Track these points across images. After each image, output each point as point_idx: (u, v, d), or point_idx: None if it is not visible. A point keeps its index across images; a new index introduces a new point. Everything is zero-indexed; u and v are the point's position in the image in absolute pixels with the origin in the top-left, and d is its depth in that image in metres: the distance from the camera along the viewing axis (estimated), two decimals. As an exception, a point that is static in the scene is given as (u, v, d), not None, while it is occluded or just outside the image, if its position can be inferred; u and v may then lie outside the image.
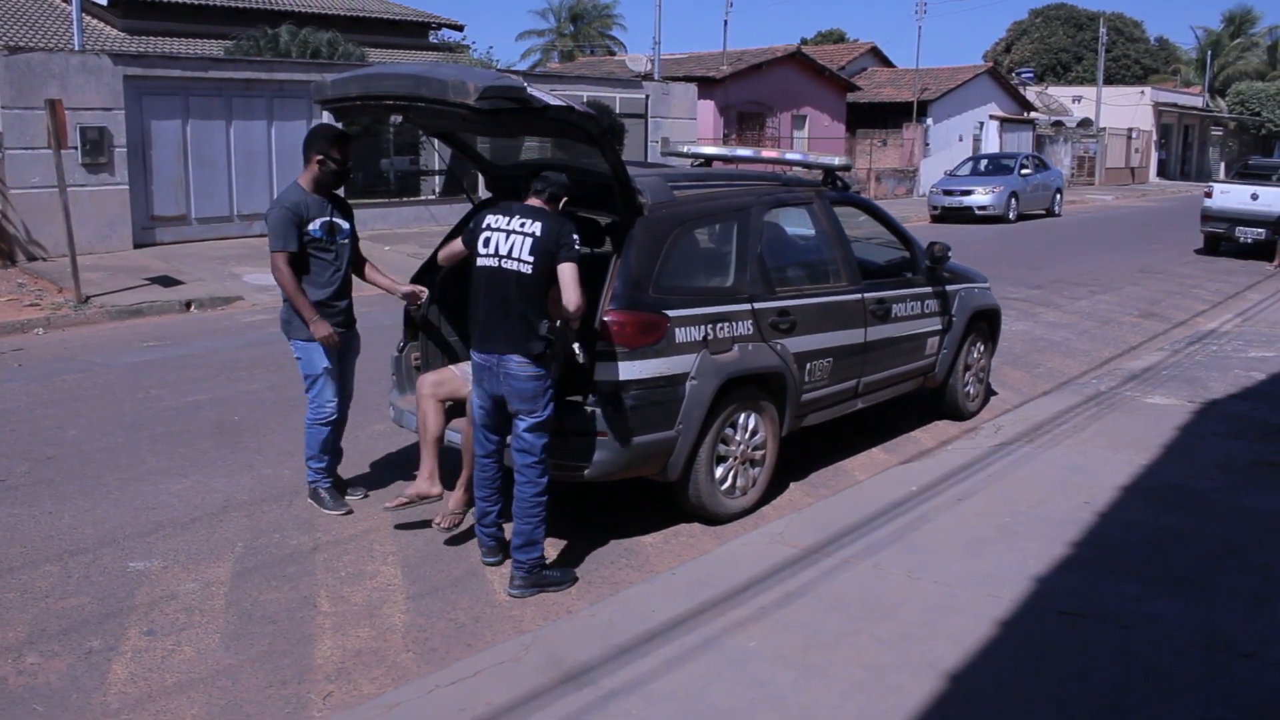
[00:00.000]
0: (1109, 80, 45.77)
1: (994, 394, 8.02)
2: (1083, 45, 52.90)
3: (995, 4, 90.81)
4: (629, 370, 4.78)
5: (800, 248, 6.34)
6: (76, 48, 15.22)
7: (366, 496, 5.57)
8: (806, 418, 5.88)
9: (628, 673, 3.70)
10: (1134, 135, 42.53)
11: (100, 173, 14.17)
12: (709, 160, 7.46)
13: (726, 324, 5.20)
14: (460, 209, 12.58)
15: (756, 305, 5.39)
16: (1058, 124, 41.94)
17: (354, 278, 5.42)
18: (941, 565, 4.65)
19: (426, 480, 5.03)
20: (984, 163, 26.37)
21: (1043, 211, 25.61)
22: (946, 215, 23.63)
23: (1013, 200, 24.03)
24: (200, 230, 15.40)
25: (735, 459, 5.37)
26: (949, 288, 6.99)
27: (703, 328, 5.07)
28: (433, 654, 4.03)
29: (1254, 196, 17.20)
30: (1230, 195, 17.64)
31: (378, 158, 17.97)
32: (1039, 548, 4.83)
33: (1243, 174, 19.30)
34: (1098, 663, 3.80)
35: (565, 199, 4.57)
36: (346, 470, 5.71)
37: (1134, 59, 55.00)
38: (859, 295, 6.13)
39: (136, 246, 14.57)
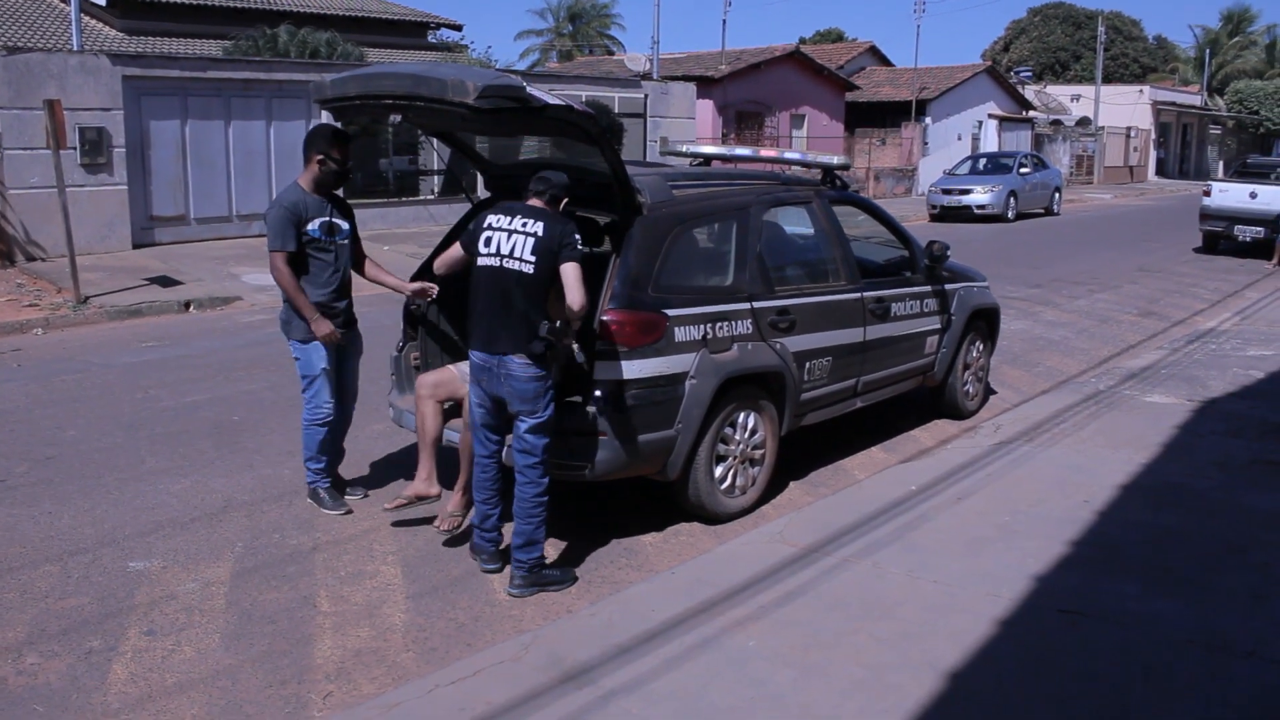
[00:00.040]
0: (1107, 79, 45.78)
1: (993, 393, 8.02)
2: (1081, 44, 52.92)
3: (993, 3, 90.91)
4: (628, 370, 4.78)
5: (799, 247, 6.34)
6: (75, 48, 15.20)
7: (366, 496, 5.57)
8: (806, 417, 5.88)
9: (627, 672, 3.71)
10: (1132, 134, 42.55)
11: (99, 173, 14.16)
12: (708, 160, 7.46)
13: (726, 323, 5.20)
14: (459, 209, 12.58)
15: (756, 304, 5.40)
16: (1056, 123, 41.95)
17: (358, 277, 5.42)
18: (941, 564, 4.65)
19: (424, 481, 5.03)
20: (983, 162, 26.39)
21: (1041, 210, 25.62)
22: (945, 214, 23.64)
23: (1011, 199, 24.04)
24: (199, 230, 15.39)
25: (735, 458, 5.38)
26: (948, 287, 6.99)
27: (702, 327, 5.07)
28: (432, 653, 4.04)
29: (1253, 195, 17.21)
30: (1229, 194, 17.65)
31: (377, 157, 17.97)
32: (1038, 547, 4.83)
33: (1241, 172, 19.31)
34: (1097, 662, 3.80)
35: (566, 199, 4.57)
36: (346, 470, 5.71)
37: (1132, 58, 55.02)
38: (858, 294, 6.13)
39: (135, 247, 14.57)
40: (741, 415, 5.38)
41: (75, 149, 13.62)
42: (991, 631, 4.02)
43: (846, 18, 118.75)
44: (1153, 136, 44.67)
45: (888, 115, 33.19)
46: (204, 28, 23.12)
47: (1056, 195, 26.28)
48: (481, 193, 6.77)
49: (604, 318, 4.74)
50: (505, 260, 4.37)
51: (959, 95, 34.39)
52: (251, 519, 5.33)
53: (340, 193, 5.41)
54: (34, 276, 12.53)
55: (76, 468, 6.05)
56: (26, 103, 13.31)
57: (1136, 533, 5.04)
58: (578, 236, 4.40)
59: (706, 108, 26.34)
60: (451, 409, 5.17)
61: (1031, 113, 39.40)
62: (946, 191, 24.06)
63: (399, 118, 4.92)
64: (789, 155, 7.23)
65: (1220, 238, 17.78)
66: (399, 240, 15.81)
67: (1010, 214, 23.89)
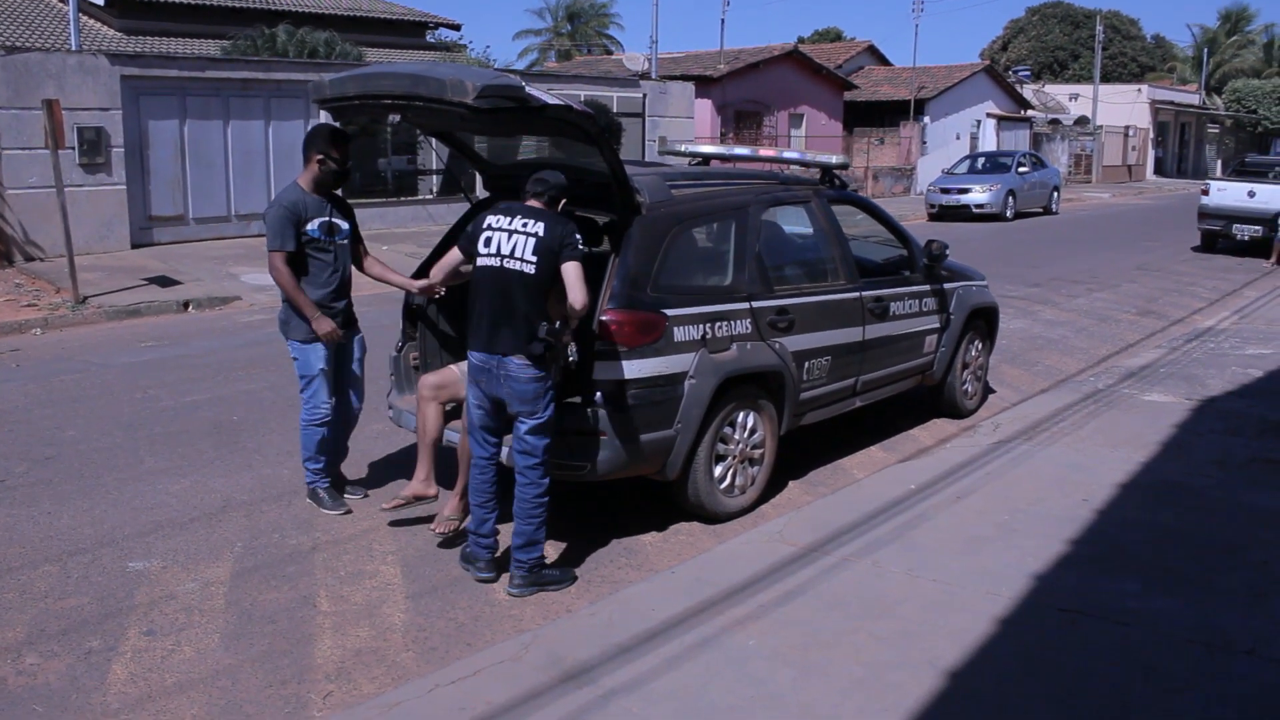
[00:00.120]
0: (1106, 78, 45.81)
1: (992, 392, 8.02)
2: (1079, 43, 52.96)
3: (992, 2, 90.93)
4: (628, 369, 4.78)
5: (798, 246, 6.34)
6: (73, 48, 15.21)
7: (366, 496, 5.57)
8: (805, 416, 5.88)
9: (627, 671, 3.71)
10: (1131, 133, 42.56)
11: (97, 173, 14.16)
12: (707, 159, 7.46)
13: (725, 323, 5.20)
14: (458, 208, 12.58)
15: (755, 304, 5.40)
16: (1055, 122, 41.97)
17: (361, 275, 5.42)
18: (940, 563, 4.66)
19: (423, 482, 5.03)
20: (981, 161, 26.41)
21: (1040, 209, 25.64)
22: (944, 213, 23.65)
23: (1010, 198, 24.06)
24: (198, 230, 15.39)
25: (734, 458, 5.38)
26: (947, 286, 6.99)
27: (701, 327, 5.07)
28: (432, 653, 4.04)
29: (1251, 194, 17.23)
30: (1227, 193, 17.67)
31: (375, 157, 17.96)
32: (1038, 545, 4.83)
33: (1240, 171, 19.33)
34: (1097, 660, 3.81)
35: (564, 200, 4.57)
36: (346, 470, 5.70)
37: (1130, 57, 55.07)
38: (857, 294, 6.13)
39: (134, 247, 14.57)
40: (741, 415, 5.38)
41: (74, 149, 13.61)
42: (991, 630, 4.02)
43: (845, 17, 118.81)
44: (1151, 135, 44.70)
45: (886, 114, 33.21)
46: (202, 27, 23.12)
47: (1055, 194, 26.30)
48: (480, 192, 6.76)
49: (603, 318, 4.74)
50: (506, 260, 4.36)
51: (957, 94, 34.41)
52: (251, 519, 5.33)
53: (339, 192, 5.40)
54: (32, 276, 12.52)
55: (75, 468, 6.05)
56: (25, 102, 13.30)
57: (1135, 531, 5.05)
58: (579, 236, 4.40)
59: (705, 107, 26.35)
60: (453, 410, 5.17)
61: (1030, 112, 39.43)
62: (945, 191, 24.07)
63: (398, 118, 4.93)
64: (788, 155, 7.23)
65: (1219, 236, 17.80)
66: (398, 240, 15.80)
67: (1009, 213, 23.90)
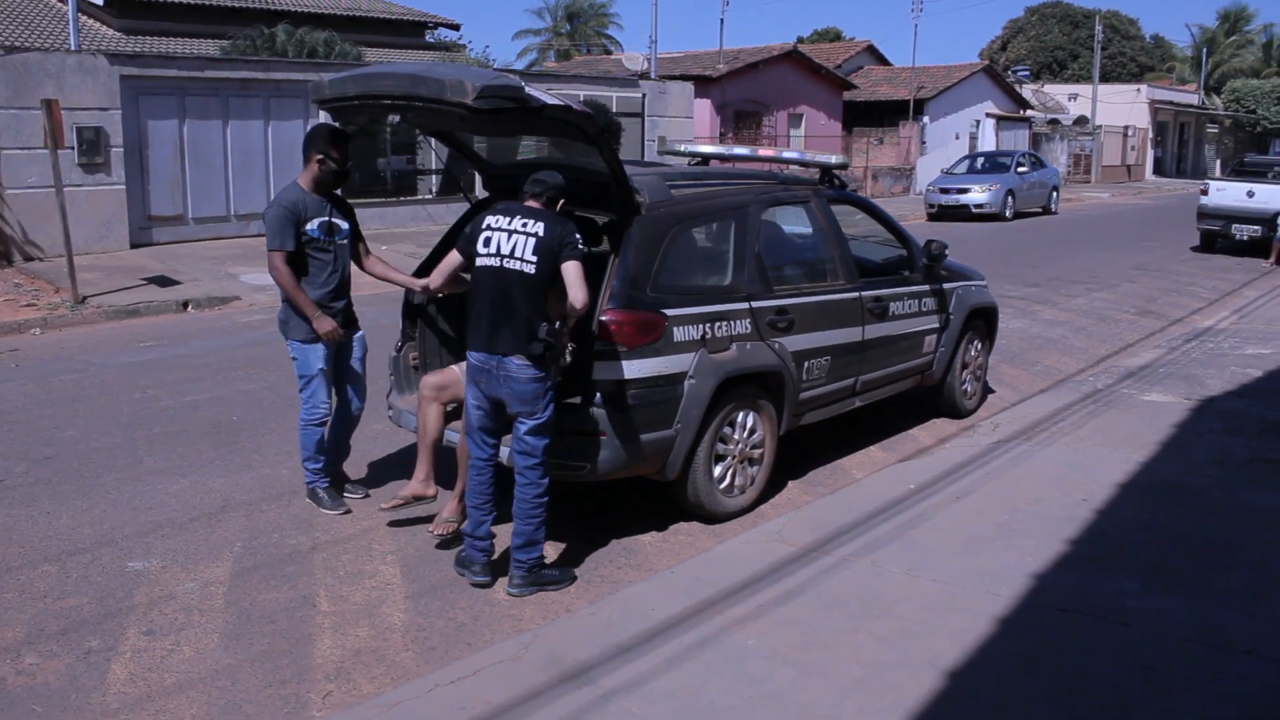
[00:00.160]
0: (1105, 78, 45.83)
1: (991, 392, 8.03)
2: (1078, 43, 52.98)
3: (991, 2, 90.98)
4: (628, 369, 4.78)
5: (798, 246, 6.34)
6: (72, 47, 15.21)
7: (368, 496, 5.57)
8: (804, 416, 5.88)
9: (627, 671, 3.71)
10: (1130, 133, 42.58)
11: (97, 173, 14.15)
12: (706, 159, 7.46)
13: (724, 323, 5.20)
14: (457, 208, 12.57)
15: (754, 304, 5.40)
16: (1054, 122, 41.98)
17: (363, 274, 5.42)
18: (940, 563, 4.66)
19: (422, 482, 5.02)
20: (980, 161, 26.42)
21: (1039, 209, 25.64)
22: (943, 213, 23.66)
23: (1009, 198, 24.06)
24: (197, 230, 15.38)
25: (734, 458, 5.38)
26: (946, 286, 7.00)
27: (701, 327, 5.07)
28: (432, 653, 4.04)
29: (1250, 194, 17.24)
30: (1226, 192, 17.68)
31: (375, 157, 17.95)
32: (1037, 545, 4.84)
33: (1239, 171, 19.35)
34: (1097, 660, 3.81)
35: (563, 200, 4.57)
36: (346, 470, 5.69)
37: (1130, 56, 55.10)
38: (856, 294, 6.13)
39: (133, 246, 14.56)
40: (740, 415, 5.38)
41: (73, 149, 13.60)
42: (991, 630, 4.02)
43: (844, 17, 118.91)
44: (1150, 135, 44.71)
45: (885, 114, 33.22)
46: (201, 27, 23.11)
47: (1054, 194, 26.30)
48: (480, 192, 6.76)
49: (603, 318, 4.74)
50: (506, 260, 4.36)
51: (957, 94, 34.42)
52: (250, 519, 5.33)
53: (339, 192, 5.40)
54: (31, 276, 12.51)
55: (75, 468, 6.05)
56: (24, 102, 13.29)
57: (1135, 531, 5.05)
58: (578, 236, 4.40)
59: (704, 107, 26.35)
60: (454, 410, 5.17)
61: (1029, 112, 39.44)
62: (944, 190, 24.08)
63: (397, 118, 4.92)
64: (787, 154, 7.23)
65: (1218, 236, 17.80)
66: (397, 240, 15.80)
67: (1008, 213, 23.91)
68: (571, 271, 4.31)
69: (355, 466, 5.97)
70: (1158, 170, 46.10)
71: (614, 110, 20.72)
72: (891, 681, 3.65)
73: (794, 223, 6.35)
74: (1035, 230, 21.81)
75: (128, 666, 3.89)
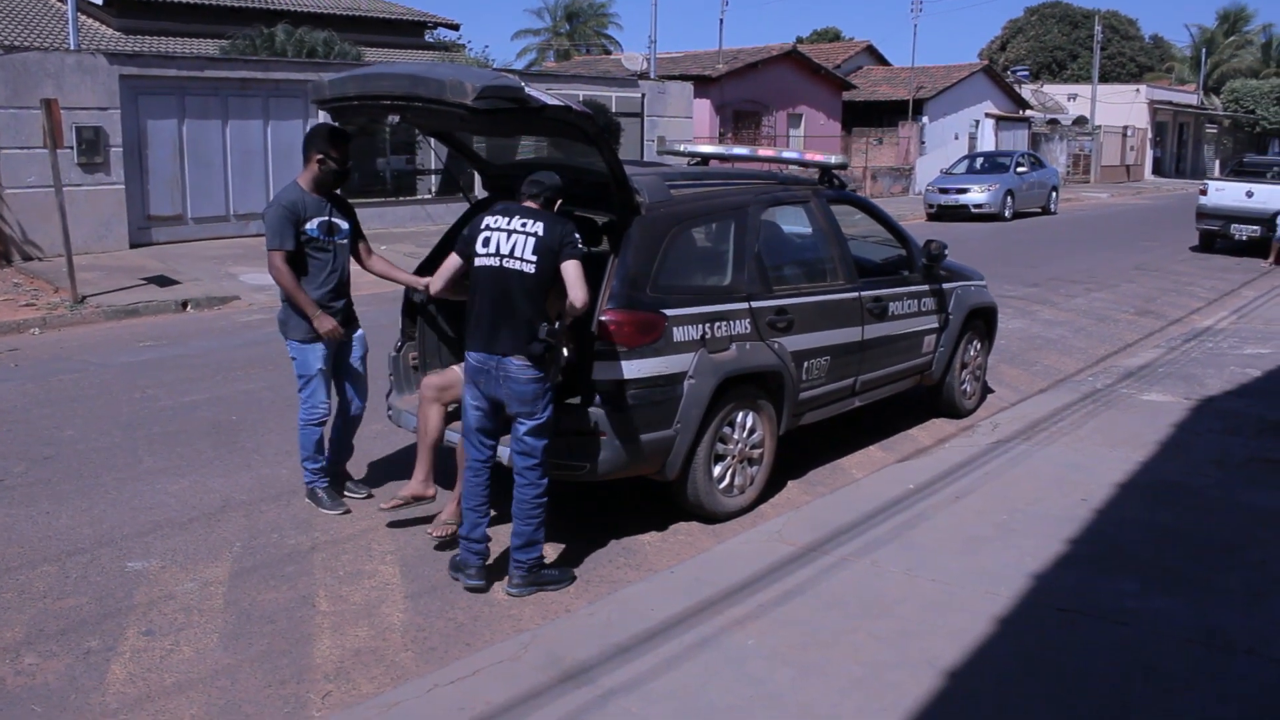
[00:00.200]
0: (1104, 78, 45.85)
1: (991, 392, 8.03)
2: (1078, 43, 53.00)
3: (990, 2, 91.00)
4: (627, 370, 4.78)
5: (797, 246, 6.34)
6: (72, 47, 15.21)
7: (371, 496, 5.55)
8: (804, 416, 5.89)
9: (626, 671, 3.71)
10: (1129, 133, 42.59)
11: (96, 172, 14.15)
12: (705, 159, 7.47)
13: (724, 323, 5.20)
14: (457, 208, 12.57)
15: (754, 304, 5.40)
16: (1053, 122, 41.99)
17: (365, 272, 5.42)
18: (939, 563, 4.66)
19: (421, 482, 5.02)
20: (980, 161, 26.42)
21: (1038, 209, 25.64)
22: (942, 213, 23.66)
23: (1008, 198, 24.07)
24: (196, 230, 15.38)
25: (733, 457, 5.38)
26: (945, 286, 7.00)
27: (700, 327, 5.07)
28: (431, 653, 4.04)
29: (1249, 194, 17.25)
30: (1225, 193, 17.69)
31: (374, 157, 17.95)
32: (1037, 545, 4.84)
33: (1238, 171, 19.36)
34: (1096, 660, 3.81)
35: (560, 200, 4.56)
36: (347, 470, 5.70)
37: (1129, 57, 55.12)
38: (856, 294, 6.13)
39: (132, 246, 14.56)
40: (740, 415, 5.38)
41: (72, 148, 13.60)
42: (990, 630, 4.02)
43: (843, 17, 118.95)
44: (1149, 135, 44.72)
45: (885, 114, 33.22)
46: (201, 27, 23.11)
47: (1053, 194, 26.30)
48: (479, 192, 6.77)
49: (602, 318, 4.74)
50: (505, 260, 4.36)
51: (956, 94, 34.42)
52: (250, 519, 5.33)
53: (339, 192, 5.40)
54: (31, 276, 12.51)
55: (74, 468, 6.05)
56: (23, 102, 13.29)
57: (1134, 531, 5.05)
58: (578, 235, 4.40)
59: (704, 107, 26.35)
60: (454, 411, 5.16)
61: (1028, 112, 39.45)
62: (943, 191, 24.08)
63: (397, 118, 4.92)
64: (786, 154, 7.24)
65: (1217, 236, 17.81)
66: (396, 240, 15.79)
67: (1007, 213, 23.91)
68: (571, 270, 4.31)
69: (355, 466, 5.96)
70: (1157, 170, 46.11)
71: (613, 110, 20.73)
72: (891, 681, 3.65)
73: (793, 223, 6.35)
74: (1034, 230, 21.81)
75: (127, 667, 3.89)
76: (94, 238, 13.98)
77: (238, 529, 5.19)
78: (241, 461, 6.21)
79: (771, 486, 5.76)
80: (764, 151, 7.63)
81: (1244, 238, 17.15)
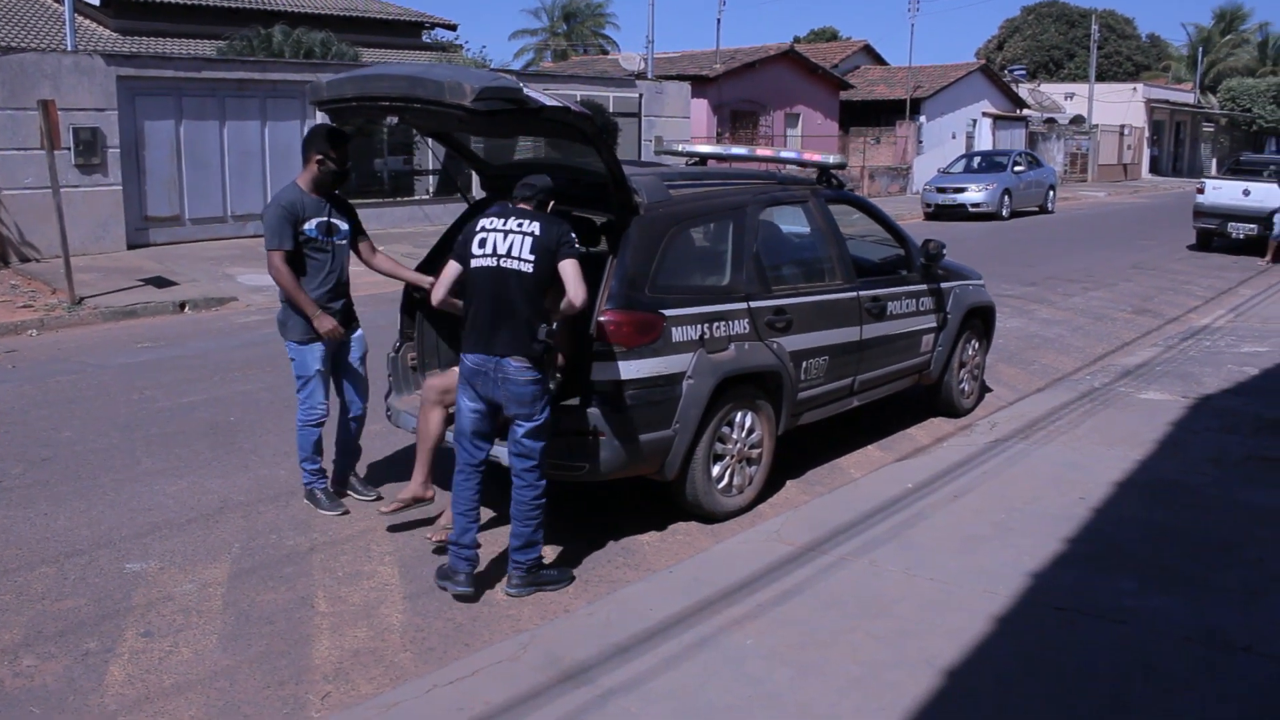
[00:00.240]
0: (1101, 77, 45.89)
1: (989, 391, 8.04)
2: (1075, 42, 53.04)
3: (987, 1, 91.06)
4: (626, 370, 4.78)
5: (796, 246, 6.34)
6: (69, 48, 15.17)
7: (380, 499, 5.51)
8: (802, 416, 5.89)
9: (625, 671, 3.71)
10: (1126, 132, 42.63)
11: (93, 173, 14.13)
12: (704, 159, 7.47)
13: (723, 323, 5.20)
14: (455, 209, 12.57)
15: (752, 304, 5.40)
16: (1050, 121, 42.01)
17: (370, 271, 5.41)
18: (938, 562, 4.66)
19: (420, 484, 5.01)
20: (977, 160, 26.43)
21: (1036, 208, 25.66)
22: (940, 213, 23.67)
23: (1006, 197, 24.08)
24: (194, 231, 15.36)
25: (732, 457, 5.38)
26: (944, 285, 7.00)
27: (699, 327, 5.07)
28: (430, 653, 4.04)
29: (1246, 192, 17.27)
30: (1222, 191, 17.71)
31: (372, 158, 17.94)
32: (1035, 544, 4.84)
33: (1234, 170, 19.40)
34: (1095, 659, 3.81)
35: (553, 201, 4.56)
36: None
37: (1126, 56, 55.18)
38: (854, 293, 6.14)
39: (130, 247, 14.54)
40: (739, 415, 5.38)
41: (70, 149, 13.58)
42: (988, 629, 4.03)
43: (841, 17, 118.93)
44: (1146, 134, 44.76)
45: (882, 114, 33.24)
46: (198, 27, 23.10)
47: (1051, 193, 26.32)
48: (477, 192, 6.76)
49: (601, 318, 4.74)
50: (503, 260, 4.35)
51: (953, 94, 34.44)
52: (248, 520, 5.33)
53: (338, 192, 5.40)
54: (28, 277, 12.50)
55: (72, 469, 6.04)
56: (20, 103, 13.27)
57: (1132, 529, 5.06)
58: (574, 235, 4.40)
59: (701, 107, 26.36)
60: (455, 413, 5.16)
61: (1026, 111, 39.46)
62: (941, 190, 24.10)
63: (395, 119, 4.91)
64: (784, 154, 7.24)
65: (1214, 235, 17.84)
66: (394, 240, 15.77)
67: (1005, 212, 23.93)
68: (569, 269, 4.31)
69: (356, 466, 5.96)
70: (1154, 169, 46.16)
71: (611, 110, 20.71)
72: (889, 681, 3.66)
73: (792, 223, 6.36)
74: (1032, 229, 21.83)
75: (126, 668, 3.88)
76: (91, 239, 13.96)
77: (236, 530, 5.19)
78: (239, 462, 6.21)
79: (770, 486, 5.76)
80: (762, 151, 7.63)
81: (1241, 236, 17.18)
